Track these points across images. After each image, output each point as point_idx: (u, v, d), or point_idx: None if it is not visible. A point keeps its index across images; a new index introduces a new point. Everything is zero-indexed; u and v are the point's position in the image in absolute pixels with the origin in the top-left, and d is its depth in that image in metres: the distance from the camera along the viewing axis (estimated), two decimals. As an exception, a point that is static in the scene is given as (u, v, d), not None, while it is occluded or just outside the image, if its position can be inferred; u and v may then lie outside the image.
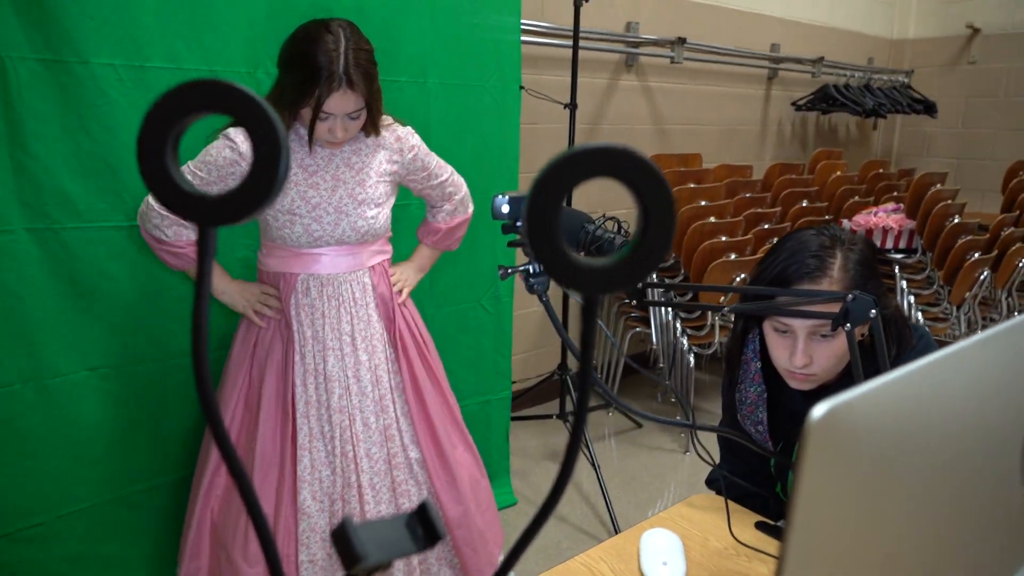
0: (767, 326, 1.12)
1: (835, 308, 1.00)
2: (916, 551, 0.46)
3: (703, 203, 3.00)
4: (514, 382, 2.94)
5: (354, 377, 1.61)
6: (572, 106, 2.60)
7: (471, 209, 1.92)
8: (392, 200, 1.68)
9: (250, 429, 1.60)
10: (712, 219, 2.95)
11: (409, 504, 1.65)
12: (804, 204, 3.59)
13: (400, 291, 1.74)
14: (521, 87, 2.36)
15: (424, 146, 1.73)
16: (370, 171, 1.60)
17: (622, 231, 1.29)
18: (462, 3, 2.14)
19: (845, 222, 3.63)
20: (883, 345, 0.93)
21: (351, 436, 1.59)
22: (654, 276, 2.93)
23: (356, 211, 1.56)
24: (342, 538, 0.39)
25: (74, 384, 1.70)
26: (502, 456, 2.61)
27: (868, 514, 0.43)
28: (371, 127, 1.58)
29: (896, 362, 1.13)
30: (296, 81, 1.44)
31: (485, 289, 2.43)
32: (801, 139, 4.63)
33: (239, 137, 1.50)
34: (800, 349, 1.06)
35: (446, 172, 1.79)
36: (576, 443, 0.49)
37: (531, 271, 0.84)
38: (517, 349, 3.02)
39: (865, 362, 1.07)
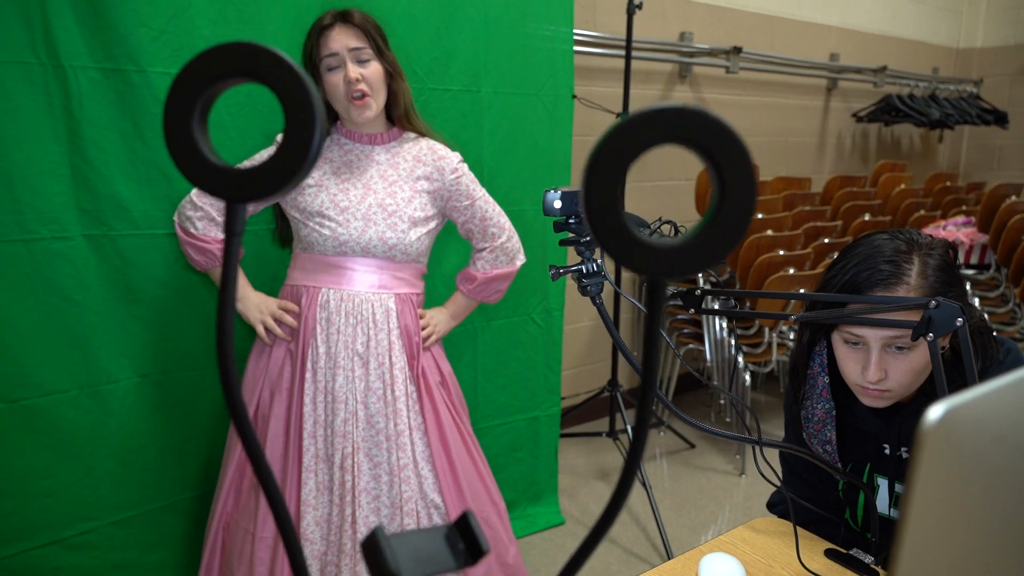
0: (836, 338, 1.03)
1: (912, 318, 0.92)
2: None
3: (760, 216, 2.90)
4: (563, 398, 2.87)
5: (362, 403, 1.51)
6: (625, 116, 2.54)
7: (518, 264, 1.78)
8: (431, 226, 1.61)
9: (244, 457, 1.56)
10: (769, 232, 2.84)
11: None
12: (867, 217, 3.44)
13: (428, 336, 1.63)
14: (574, 96, 2.32)
15: (471, 175, 1.67)
16: (403, 184, 1.57)
17: (677, 234, 1.23)
18: (515, 13, 2.12)
19: (912, 236, 3.46)
20: (971, 357, 0.84)
21: (352, 466, 1.49)
22: (709, 284, 2.83)
23: (385, 221, 1.52)
24: (373, 551, 0.34)
25: (126, 390, 1.71)
26: (550, 474, 2.54)
27: (984, 526, 0.37)
28: (401, 110, 1.57)
29: (981, 377, 1.04)
30: (305, 53, 1.51)
31: (536, 303, 2.38)
32: (862, 151, 4.47)
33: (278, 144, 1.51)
34: (874, 362, 0.98)
35: (493, 211, 1.69)
36: (637, 455, 0.43)
37: (584, 271, 0.79)
38: (566, 364, 2.96)
39: (950, 376, 0.98)
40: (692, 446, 3.01)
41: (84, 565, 1.70)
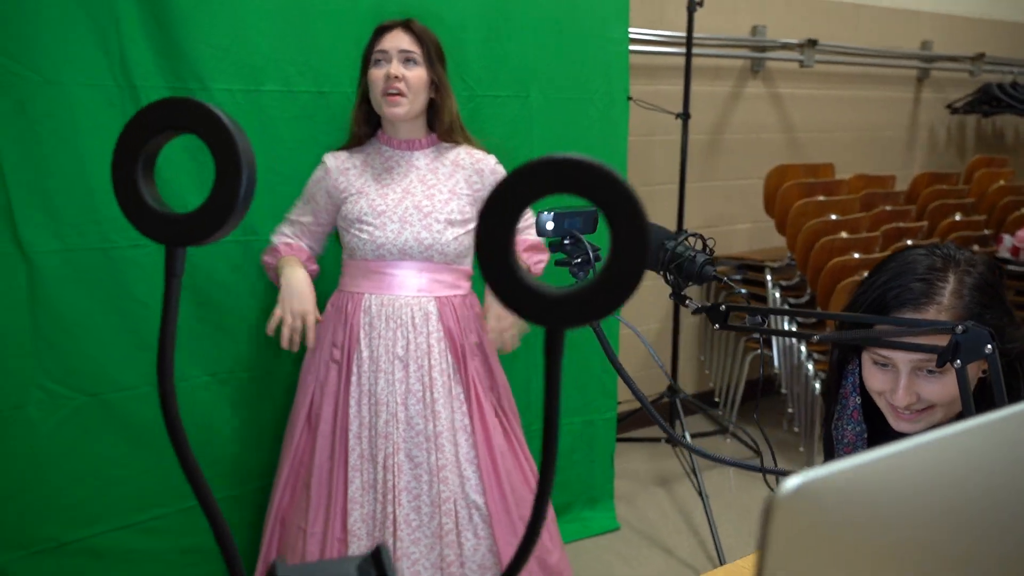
0: (866, 358, 0.98)
1: (943, 340, 0.86)
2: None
3: (833, 217, 2.77)
4: (621, 402, 2.85)
5: (402, 405, 1.55)
6: (684, 116, 2.49)
7: (545, 257, 1.76)
8: (470, 227, 1.63)
9: (310, 449, 1.63)
10: (843, 234, 2.71)
11: (453, 555, 1.55)
12: (957, 217, 3.22)
13: (501, 334, 1.63)
14: (629, 98, 2.29)
15: None
16: (442, 187, 1.60)
17: (707, 249, 1.20)
18: (566, 17, 2.12)
19: (1007, 238, 3.22)
20: (1002, 389, 0.79)
21: (393, 465, 1.54)
22: (779, 287, 2.72)
23: (421, 222, 1.56)
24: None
25: (195, 388, 1.83)
26: (606, 479, 2.53)
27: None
28: (445, 125, 1.61)
29: None
30: (363, 55, 1.58)
31: (590, 305, 2.37)
32: (959, 145, 4.17)
33: (327, 158, 1.63)
34: (903, 386, 0.93)
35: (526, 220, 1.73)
36: (545, 490, 0.43)
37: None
38: (626, 368, 2.92)
39: (987, 403, 0.92)
40: (758, 453, 2.91)
41: (155, 548, 1.83)
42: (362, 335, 1.58)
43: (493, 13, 1.99)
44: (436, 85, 1.59)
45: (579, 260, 0.78)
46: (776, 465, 2.62)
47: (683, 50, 2.52)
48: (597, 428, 2.47)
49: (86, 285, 1.66)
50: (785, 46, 3.16)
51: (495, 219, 0.40)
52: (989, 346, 0.81)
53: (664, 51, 2.82)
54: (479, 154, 1.66)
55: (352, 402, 1.56)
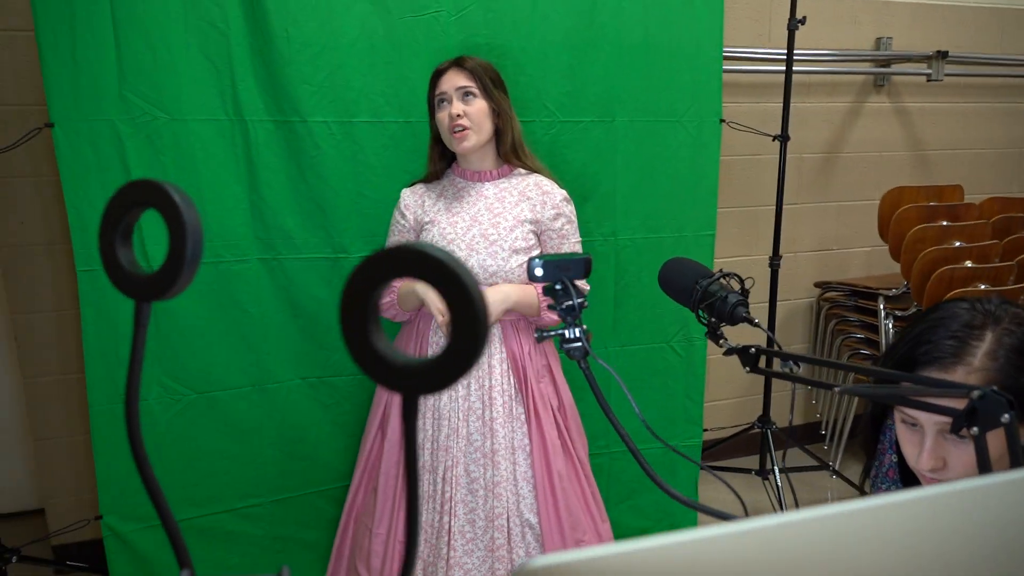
0: (897, 416, 0.93)
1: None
2: None
3: (957, 244, 2.54)
4: (708, 430, 2.77)
5: (464, 421, 1.63)
6: (783, 138, 2.39)
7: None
8: (535, 253, 1.68)
9: (381, 454, 1.74)
10: (968, 263, 2.48)
11: (504, 570, 1.60)
12: (1120, 246, 2.84)
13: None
14: (722, 120, 2.24)
15: (572, 218, 1.73)
16: (508, 215, 1.66)
17: (743, 288, 1.18)
18: (655, 37, 2.11)
19: None
20: (1018, 465, 0.73)
21: (452, 478, 1.61)
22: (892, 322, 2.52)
23: (487, 249, 1.62)
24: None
25: (289, 390, 2.01)
26: (688, 508, 2.47)
27: None
28: (507, 146, 1.67)
29: None
30: (428, 99, 1.68)
31: (675, 331, 2.34)
32: None
33: (404, 193, 1.76)
34: (927, 448, 0.87)
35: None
36: (411, 560, 0.48)
37: (566, 336, 0.82)
38: (716, 395, 2.84)
39: None
40: (863, 492, 2.72)
41: (251, 533, 2.04)
42: (430, 352, 1.67)
43: (576, 38, 2.03)
44: (497, 112, 1.66)
45: (568, 304, 0.81)
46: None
47: (779, 68, 2.42)
48: (677, 454, 2.43)
49: (199, 295, 1.88)
50: (911, 59, 2.94)
51: (354, 298, 0.46)
52: (1006, 416, 0.75)
53: (768, 69, 2.72)
54: (548, 185, 1.70)
55: (419, 415, 1.66)
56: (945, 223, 2.61)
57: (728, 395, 2.88)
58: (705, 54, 2.17)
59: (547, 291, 0.83)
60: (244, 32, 1.79)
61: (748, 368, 1.06)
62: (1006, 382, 0.84)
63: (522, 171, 1.73)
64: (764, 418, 2.52)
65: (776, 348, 1.07)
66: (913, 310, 2.62)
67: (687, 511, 2.46)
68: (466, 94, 1.63)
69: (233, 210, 1.87)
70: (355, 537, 1.81)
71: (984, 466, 0.78)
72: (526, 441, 1.66)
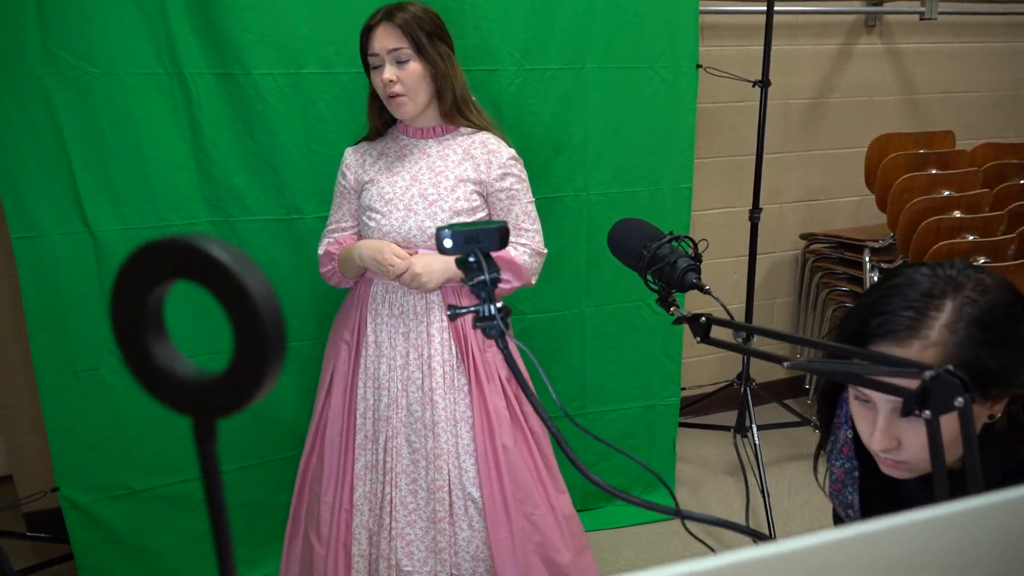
0: (850, 390, 0.86)
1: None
2: None
3: (946, 193, 2.44)
4: (687, 388, 2.72)
5: (403, 390, 1.57)
6: (763, 84, 2.26)
7: (526, 281, 1.63)
8: (477, 217, 1.56)
9: (322, 427, 1.68)
10: (957, 214, 2.39)
11: (446, 542, 1.55)
12: (1117, 192, 2.73)
13: (400, 275, 1.49)
14: (699, 65, 2.12)
15: (522, 177, 1.61)
16: (449, 174, 1.56)
17: (696, 252, 1.10)
18: (627, -22, 1.98)
19: None
20: (973, 453, 0.66)
21: (393, 448, 1.56)
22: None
23: (425, 210, 1.53)
24: None
25: (248, 356, 1.94)
26: (667, 465, 2.45)
27: None
28: (447, 105, 1.55)
29: (1009, 479, 0.81)
30: (362, 61, 1.54)
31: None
32: None
33: (347, 153, 1.67)
34: (880, 427, 0.80)
35: (530, 224, 1.62)
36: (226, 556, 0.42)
37: (480, 313, 0.74)
38: (695, 352, 2.78)
39: (997, 455, 0.78)
40: (816, 469, 2.69)
41: (216, 501, 2.00)
42: (369, 319, 1.60)
43: (541, -20, 1.90)
44: (434, 73, 1.53)
45: (481, 278, 0.73)
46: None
47: (759, 8, 2.28)
48: (658, 413, 2.39)
49: (147, 260, 1.79)
50: (904, -5, 2.79)
51: (125, 301, 0.38)
52: (960, 399, 0.68)
53: (749, 9, 2.57)
54: (494, 143, 1.59)
55: (360, 384, 1.60)
56: (934, 171, 2.51)
57: (708, 351, 2.82)
58: (680, -7, 2.04)
59: (459, 264, 0.75)
60: (178, -24, 1.67)
61: (699, 338, 0.99)
62: (965, 357, 0.76)
63: (468, 129, 1.61)
64: (743, 375, 2.47)
65: (729, 318, 0.99)
66: (899, 262, 2.54)
67: (665, 470, 2.42)
68: (398, 59, 1.49)
69: (177, 169, 1.77)
70: (308, 503, 1.77)
71: (936, 451, 0.71)
72: (469, 413, 1.58)
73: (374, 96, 1.59)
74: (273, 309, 0.34)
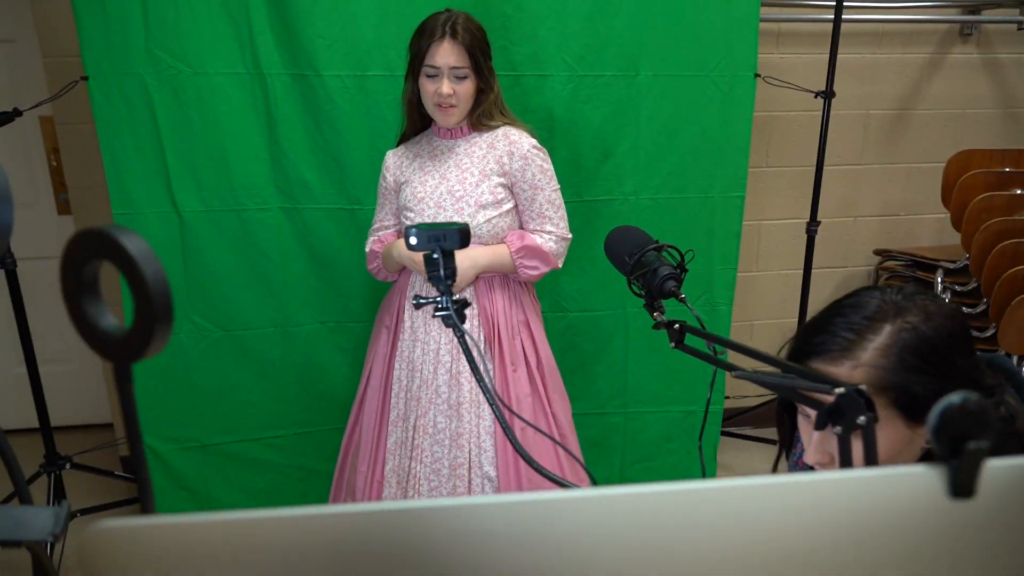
0: (799, 406, 0.90)
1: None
2: None
3: (1017, 217, 2.30)
4: (730, 397, 2.70)
5: (433, 373, 1.67)
6: (827, 95, 2.22)
7: (545, 268, 1.69)
8: (504, 208, 1.65)
9: (363, 403, 1.82)
10: (1037, 237, 2.25)
11: None
12: None
13: None
14: (757, 75, 2.11)
15: (544, 166, 1.66)
16: (474, 169, 1.64)
17: (681, 262, 1.15)
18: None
19: None
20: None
21: (421, 427, 1.67)
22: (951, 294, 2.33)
23: (453, 206, 1.62)
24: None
25: (309, 333, 2.13)
26: (709, 472, 2.45)
27: None
28: (487, 113, 1.64)
29: None
30: (411, 51, 1.63)
31: (698, 295, 2.28)
32: None
33: (388, 156, 1.78)
34: (813, 442, 0.83)
35: (554, 212, 1.68)
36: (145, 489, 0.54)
37: (439, 304, 0.83)
38: (741, 362, 2.74)
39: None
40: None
41: (274, 461, 2.20)
42: (407, 307, 1.73)
43: (597, -8, 1.96)
44: (482, 88, 1.64)
45: (431, 276, 0.83)
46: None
47: (826, 16, 2.23)
48: (699, 419, 2.39)
49: (225, 240, 2.01)
50: (1002, 3, 2.63)
51: (67, 272, 0.51)
52: (862, 418, 0.71)
53: (814, 18, 2.51)
54: (515, 134, 1.66)
55: (396, 365, 1.73)
56: (1019, 191, 2.37)
57: (756, 363, 2.78)
58: (739, 2, 2.04)
59: (426, 260, 0.84)
60: (261, -15, 1.85)
61: (674, 344, 1.05)
62: (894, 381, 0.79)
63: (494, 123, 1.69)
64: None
65: (701, 328, 1.05)
66: (973, 285, 2.42)
67: (707, 472, 2.43)
68: (457, 75, 1.59)
69: (255, 160, 1.97)
70: (348, 473, 1.92)
71: (845, 466, 0.75)
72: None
73: (415, 99, 1.68)
74: (161, 287, 0.45)
